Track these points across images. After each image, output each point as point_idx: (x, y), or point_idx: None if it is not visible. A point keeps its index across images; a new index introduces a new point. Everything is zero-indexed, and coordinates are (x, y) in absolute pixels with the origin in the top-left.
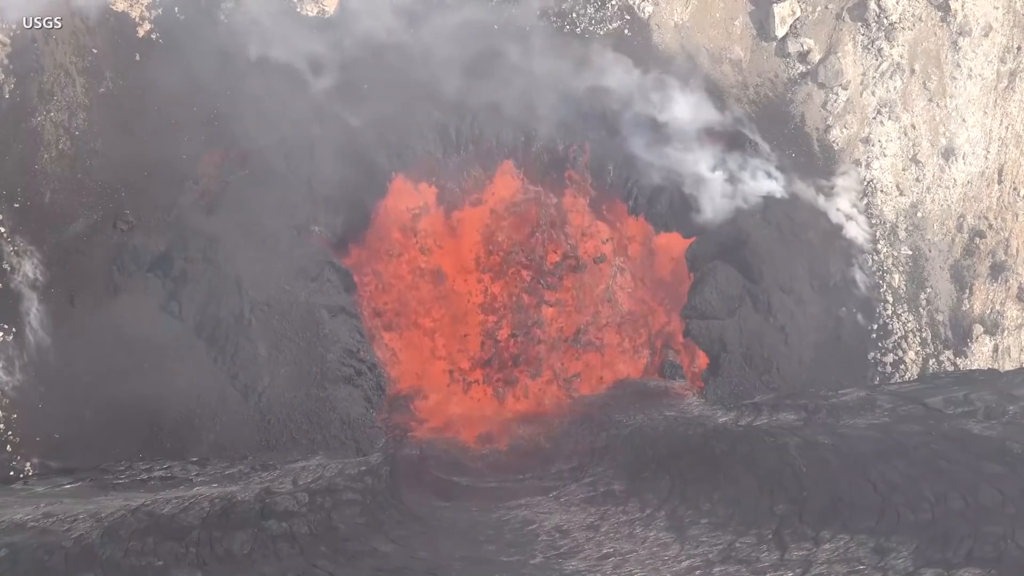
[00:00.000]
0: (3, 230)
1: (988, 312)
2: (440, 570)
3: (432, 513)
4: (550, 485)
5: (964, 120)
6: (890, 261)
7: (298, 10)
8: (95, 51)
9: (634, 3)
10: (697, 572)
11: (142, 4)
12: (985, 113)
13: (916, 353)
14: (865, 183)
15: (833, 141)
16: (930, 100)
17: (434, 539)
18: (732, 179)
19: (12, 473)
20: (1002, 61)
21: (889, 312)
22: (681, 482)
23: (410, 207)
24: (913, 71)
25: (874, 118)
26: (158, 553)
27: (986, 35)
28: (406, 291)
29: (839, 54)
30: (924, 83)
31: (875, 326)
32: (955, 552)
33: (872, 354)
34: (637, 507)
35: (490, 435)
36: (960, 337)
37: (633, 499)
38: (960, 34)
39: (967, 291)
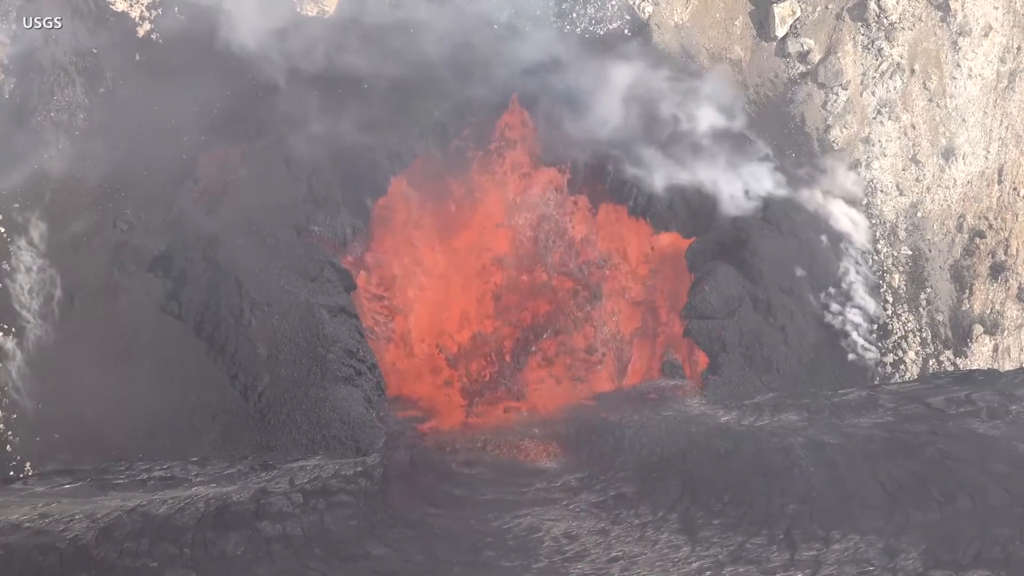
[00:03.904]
0: (3, 230)
1: (988, 312)
2: (437, 574)
3: (424, 519)
4: (558, 496)
5: (964, 120)
6: (890, 261)
7: (298, 10)
8: (95, 51)
9: (634, 3)
10: (707, 573)
11: (142, 4)
12: (985, 113)
13: (916, 353)
14: (865, 183)
15: (833, 141)
16: (930, 100)
17: (430, 543)
18: (731, 179)
19: (12, 473)
20: (1002, 61)
21: (889, 312)
22: (691, 482)
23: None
24: (913, 71)
25: (874, 118)
26: (153, 554)
27: (986, 35)
28: None
29: (839, 54)
30: (924, 83)
31: (875, 326)
32: (964, 553)
33: (872, 354)
34: (649, 510)
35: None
36: (960, 337)
37: (645, 502)
38: (960, 34)
39: (967, 291)
